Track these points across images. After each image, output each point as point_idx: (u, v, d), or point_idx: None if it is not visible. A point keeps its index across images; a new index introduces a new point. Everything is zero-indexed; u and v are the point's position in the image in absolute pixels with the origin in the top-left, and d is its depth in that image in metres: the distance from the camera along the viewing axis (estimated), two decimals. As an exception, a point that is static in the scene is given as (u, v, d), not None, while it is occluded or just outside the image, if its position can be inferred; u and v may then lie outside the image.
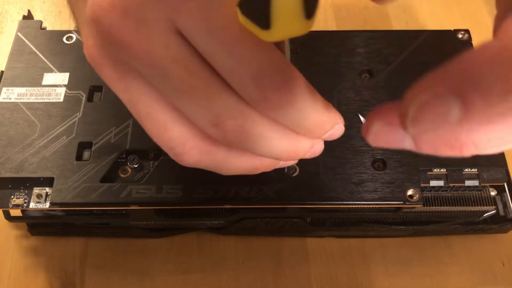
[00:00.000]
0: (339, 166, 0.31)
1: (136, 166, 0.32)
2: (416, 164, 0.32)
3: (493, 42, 0.16)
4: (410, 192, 0.31)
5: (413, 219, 0.35)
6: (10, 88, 0.34)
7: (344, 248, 0.37)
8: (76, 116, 0.33)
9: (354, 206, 0.31)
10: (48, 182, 0.31)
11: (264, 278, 0.35)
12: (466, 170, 0.32)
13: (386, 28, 0.47)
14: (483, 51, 0.16)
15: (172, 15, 0.19)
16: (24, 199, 0.31)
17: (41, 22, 0.37)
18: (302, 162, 0.30)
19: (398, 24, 0.47)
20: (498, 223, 0.35)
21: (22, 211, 0.33)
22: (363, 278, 0.36)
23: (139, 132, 0.32)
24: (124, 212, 0.33)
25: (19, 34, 0.36)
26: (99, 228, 0.35)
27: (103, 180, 0.31)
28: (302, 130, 0.22)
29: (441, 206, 0.33)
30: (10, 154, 0.31)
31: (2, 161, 0.31)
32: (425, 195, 0.33)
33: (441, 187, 0.33)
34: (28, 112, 0.33)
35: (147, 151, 0.32)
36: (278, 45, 0.23)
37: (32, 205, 0.31)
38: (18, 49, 0.36)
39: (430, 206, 0.33)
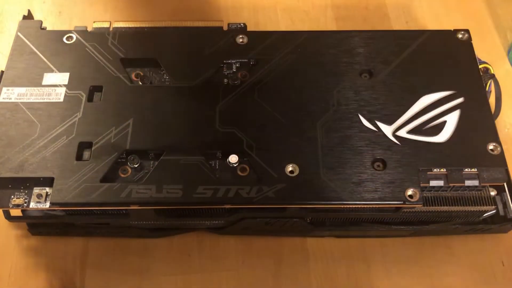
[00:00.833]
0: (339, 166, 0.31)
1: (136, 166, 0.32)
2: (416, 164, 0.32)
3: None
4: (410, 192, 0.31)
5: (413, 219, 0.35)
6: (10, 88, 0.34)
7: (344, 248, 0.37)
8: (76, 116, 0.33)
9: (354, 206, 0.31)
10: (48, 182, 0.31)
11: (264, 278, 0.36)
12: (466, 170, 0.32)
13: (386, 28, 0.47)
14: None
15: None
16: (24, 199, 0.31)
17: (41, 22, 0.37)
18: (302, 162, 0.30)
19: (398, 24, 0.47)
20: (498, 223, 0.35)
21: (22, 211, 0.33)
22: (363, 278, 0.36)
23: (139, 132, 0.32)
24: (124, 212, 0.33)
25: (19, 34, 0.36)
26: (99, 228, 0.35)
27: (103, 180, 0.31)
28: None
29: (441, 206, 0.33)
30: (10, 154, 0.31)
31: (2, 161, 0.31)
32: (425, 195, 0.33)
33: (441, 187, 0.33)
34: (28, 112, 0.33)
35: (147, 151, 0.32)
36: None
37: (32, 205, 0.31)
38: (18, 49, 0.36)
39: (430, 206, 0.33)
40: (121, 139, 0.32)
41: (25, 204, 0.31)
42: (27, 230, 0.36)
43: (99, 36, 0.36)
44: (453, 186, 0.32)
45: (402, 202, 0.31)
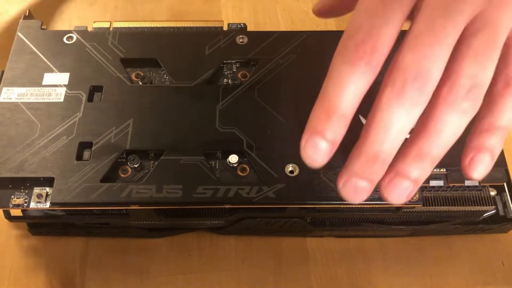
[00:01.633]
0: (339, 165, 0.31)
1: (136, 166, 0.32)
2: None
3: None
4: (410, 192, 0.31)
5: (413, 219, 0.35)
6: (11, 88, 0.34)
7: (344, 248, 0.37)
8: (76, 116, 0.33)
9: (354, 206, 0.31)
10: (48, 182, 0.31)
11: (264, 278, 0.36)
12: (466, 169, 0.32)
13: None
14: None
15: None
16: (24, 199, 0.31)
17: (41, 22, 0.37)
18: (302, 162, 0.30)
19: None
20: (497, 223, 0.35)
21: (23, 211, 0.33)
22: (363, 278, 0.36)
23: (140, 132, 0.32)
24: (124, 212, 0.33)
25: (19, 34, 0.36)
26: (99, 228, 0.35)
27: (103, 180, 0.31)
28: None
29: (441, 206, 0.33)
30: (10, 154, 0.31)
31: (2, 161, 0.31)
32: (425, 195, 0.33)
33: (440, 187, 0.33)
34: (28, 112, 0.33)
35: (147, 151, 0.32)
36: None
37: (32, 205, 0.31)
38: (18, 49, 0.36)
39: (430, 206, 0.33)
40: (121, 139, 0.32)
41: (25, 204, 0.31)
42: (27, 230, 0.36)
43: (99, 36, 0.36)
44: (453, 186, 0.32)
45: (402, 202, 0.31)
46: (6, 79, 0.34)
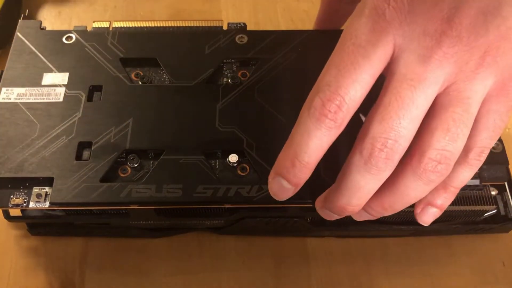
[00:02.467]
0: (340, 165, 0.31)
1: (136, 165, 0.32)
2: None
3: None
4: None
5: (413, 219, 0.35)
6: (10, 88, 0.34)
7: (344, 248, 0.37)
8: (76, 116, 0.33)
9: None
10: (47, 182, 0.31)
11: (264, 278, 0.35)
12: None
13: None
14: None
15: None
16: (23, 199, 0.31)
17: (41, 22, 0.37)
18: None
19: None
20: (498, 223, 0.35)
21: (22, 211, 0.33)
22: (363, 278, 0.36)
23: (139, 131, 0.32)
24: (124, 211, 0.32)
25: (18, 34, 0.36)
26: (99, 228, 0.35)
27: (103, 180, 0.31)
28: None
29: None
30: (10, 154, 0.31)
31: (2, 161, 0.31)
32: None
33: (441, 186, 0.33)
34: (27, 112, 0.33)
35: (147, 150, 0.32)
36: None
37: (31, 205, 0.31)
38: (17, 49, 0.35)
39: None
40: (121, 139, 0.32)
41: (24, 204, 0.31)
42: (26, 230, 0.36)
43: (98, 36, 0.36)
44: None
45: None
46: (5, 79, 0.34)
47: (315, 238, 0.37)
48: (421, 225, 0.33)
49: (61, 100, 0.33)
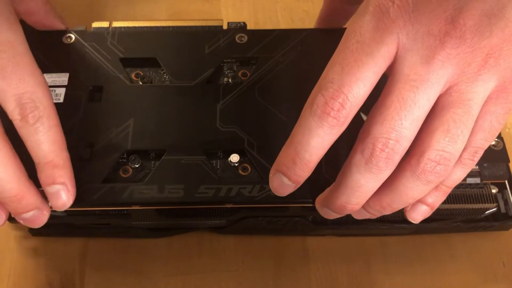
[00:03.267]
0: (342, 163, 0.31)
1: (137, 166, 0.32)
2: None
3: None
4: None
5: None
6: (10, 89, 0.34)
7: (344, 247, 0.37)
8: (77, 116, 0.33)
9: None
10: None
11: (264, 278, 0.35)
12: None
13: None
14: None
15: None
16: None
17: (40, 22, 0.37)
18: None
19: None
20: (499, 221, 0.35)
21: (23, 211, 0.33)
22: (363, 277, 0.36)
23: (140, 132, 0.32)
24: (125, 212, 0.32)
25: (18, 34, 0.36)
26: (100, 228, 0.35)
27: (105, 180, 0.31)
28: None
29: (442, 203, 0.33)
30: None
31: (3, 162, 0.31)
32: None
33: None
34: (28, 113, 0.33)
35: (148, 151, 0.32)
36: None
37: (33, 205, 0.30)
38: (17, 49, 0.35)
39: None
40: (122, 139, 0.32)
41: (26, 205, 0.31)
42: (27, 231, 0.36)
43: (98, 36, 0.36)
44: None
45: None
46: (5, 80, 0.34)
47: (315, 238, 0.37)
48: (422, 223, 0.33)
49: (61, 100, 0.33)
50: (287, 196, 0.28)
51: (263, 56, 0.35)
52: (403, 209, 0.28)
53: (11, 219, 0.34)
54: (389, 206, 0.26)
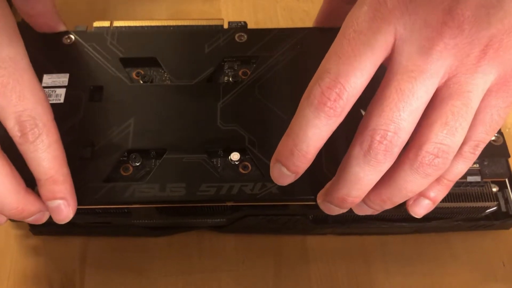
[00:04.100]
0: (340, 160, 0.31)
1: (138, 165, 0.32)
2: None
3: None
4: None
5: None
6: (10, 89, 0.34)
7: (344, 247, 0.37)
8: (77, 116, 0.33)
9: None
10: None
11: (264, 277, 0.35)
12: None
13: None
14: None
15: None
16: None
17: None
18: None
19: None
20: (499, 219, 0.35)
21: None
22: (363, 277, 0.36)
23: (141, 131, 0.32)
24: (126, 211, 0.32)
25: (18, 34, 0.36)
26: (100, 227, 0.35)
27: (106, 180, 0.31)
28: None
29: (443, 202, 0.33)
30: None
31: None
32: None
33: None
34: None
35: (149, 150, 0.32)
36: None
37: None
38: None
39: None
40: (122, 139, 0.32)
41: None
42: (28, 230, 0.36)
43: (98, 36, 0.36)
44: (455, 182, 0.32)
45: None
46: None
47: (315, 237, 0.37)
48: (423, 222, 0.33)
49: (61, 101, 0.33)
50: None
51: (262, 55, 0.35)
52: (403, 206, 0.28)
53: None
54: (389, 200, 0.26)
